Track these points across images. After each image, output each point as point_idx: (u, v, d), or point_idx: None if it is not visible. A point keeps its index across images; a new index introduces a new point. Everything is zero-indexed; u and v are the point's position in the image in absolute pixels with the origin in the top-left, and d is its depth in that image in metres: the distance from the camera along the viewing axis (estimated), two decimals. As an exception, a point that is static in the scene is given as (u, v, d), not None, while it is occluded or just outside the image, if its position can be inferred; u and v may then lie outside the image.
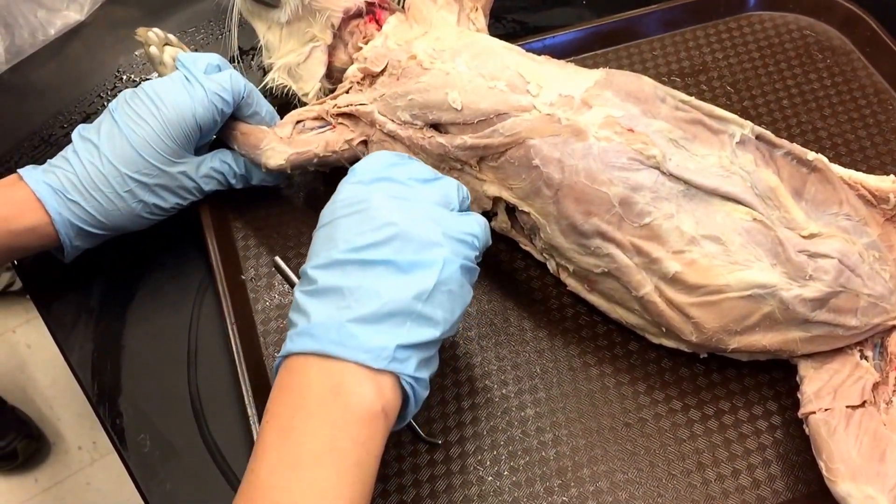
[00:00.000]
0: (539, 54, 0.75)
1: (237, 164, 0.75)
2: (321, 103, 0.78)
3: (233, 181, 0.76)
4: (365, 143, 0.76)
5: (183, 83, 0.71)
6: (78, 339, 0.76)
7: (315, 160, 0.75)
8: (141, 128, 0.68)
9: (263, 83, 0.84)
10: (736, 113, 0.69)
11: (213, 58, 0.74)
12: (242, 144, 0.75)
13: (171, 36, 0.83)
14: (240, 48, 0.89)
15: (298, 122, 0.77)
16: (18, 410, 1.66)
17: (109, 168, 0.68)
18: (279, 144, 0.74)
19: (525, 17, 0.96)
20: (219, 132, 0.77)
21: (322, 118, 0.77)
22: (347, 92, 0.78)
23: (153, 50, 0.81)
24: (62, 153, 0.70)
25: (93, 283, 0.79)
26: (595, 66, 0.88)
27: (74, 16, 0.97)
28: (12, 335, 1.81)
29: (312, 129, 0.76)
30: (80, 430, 1.70)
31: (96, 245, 0.74)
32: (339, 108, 0.76)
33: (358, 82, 0.77)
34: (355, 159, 0.76)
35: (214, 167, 0.74)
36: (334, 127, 0.76)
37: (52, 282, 0.80)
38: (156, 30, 0.82)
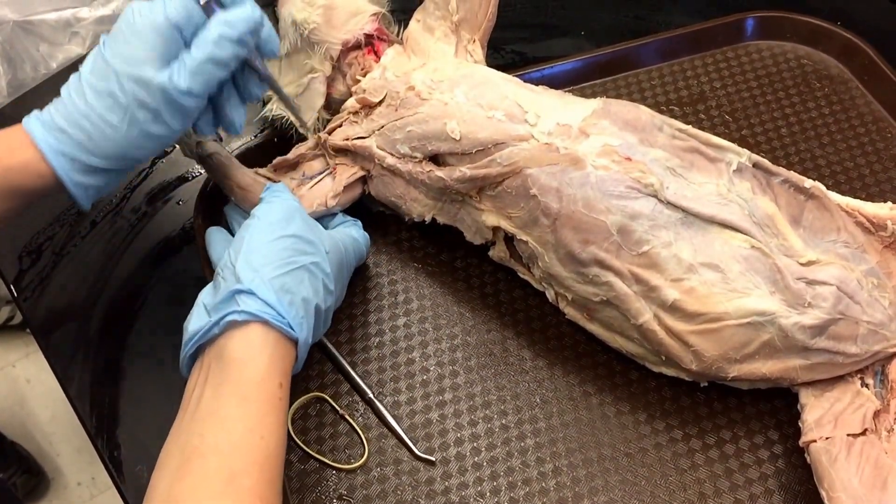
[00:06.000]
0: (538, 84, 0.75)
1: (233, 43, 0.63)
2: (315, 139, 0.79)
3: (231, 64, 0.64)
4: (364, 179, 0.77)
5: None
6: (77, 371, 0.76)
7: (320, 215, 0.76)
8: (117, 42, 0.62)
9: (262, 114, 0.84)
10: (734, 141, 0.69)
11: None
12: (242, 200, 0.75)
13: None
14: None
15: (298, 168, 0.78)
16: (18, 446, 1.65)
17: (87, 89, 0.62)
18: None
19: (524, 47, 0.97)
20: (213, 175, 0.76)
21: (322, 155, 0.78)
22: (341, 125, 0.78)
23: None
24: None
25: (92, 313, 0.79)
26: (594, 95, 0.88)
27: (76, 49, 0.99)
28: (12, 369, 1.81)
29: (313, 177, 0.77)
30: (80, 465, 1.69)
31: (109, 185, 0.67)
32: (336, 143, 0.76)
33: (354, 114, 0.78)
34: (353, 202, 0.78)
35: (202, 56, 0.62)
36: (334, 169, 0.77)
37: (52, 313, 0.80)
38: None
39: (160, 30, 0.61)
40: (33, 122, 0.63)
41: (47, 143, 0.62)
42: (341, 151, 0.77)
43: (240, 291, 0.59)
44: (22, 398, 1.77)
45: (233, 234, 0.75)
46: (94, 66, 0.62)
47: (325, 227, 0.74)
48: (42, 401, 1.76)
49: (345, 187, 0.76)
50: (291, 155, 0.78)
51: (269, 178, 0.76)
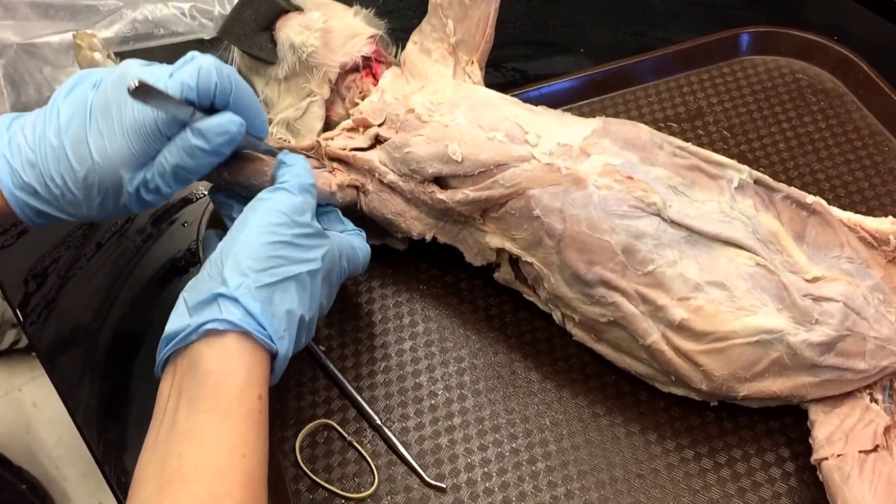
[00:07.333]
0: (535, 103, 0.75)
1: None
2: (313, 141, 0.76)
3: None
4: (357, 189, 0.75)
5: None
6: (83, 396, 0.76)
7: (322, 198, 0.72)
8: (107, 125, 0.61)
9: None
10: (733, 157, 0.70)
11: (186, 56, 0.63)
12: (245, 169, 0.69)
13: (111, 51, 0.81)
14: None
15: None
16: (24, 471, 1.64)
17: (64, 168, 0.62)
18: None
19: (524, 65, 0.97)
20: None
21: (317, 158, 0.76)
22: (334, 139, 0.77)
23: (98, 56, 0.79)
24: (45, 112, 0.63)
25: (98, 338, 0.79)
26: (591, 113, 0.89)
27: (79, 72, 0.99)
28: (18, 393, 1.79)
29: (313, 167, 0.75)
30: (87, 490, 1.67)
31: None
32: (335, 151, 0.75)
33: (350, 130, 0.77)
34: (351, 204, 0.75)
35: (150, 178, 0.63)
36: (332, 170, 0.75)
37: (58, 338, 0.80)
38: (99, 37, 0.80)
39: (146, 136, 0.61)
40: (3, 164, 0.62)
41: (14, 196, 0.63)
42: (337, 160, 0.76)
43: (223, 296, 0.56)
44: (28, 422, 1.76)
45: (221, 217, 0.73)
46: (76, 147, 0.61)
47: (328, 230, 0.71)
48: (48, 425, 1.75)
49: (347, 185, 0.74)
50: (286, 146, 0.75)
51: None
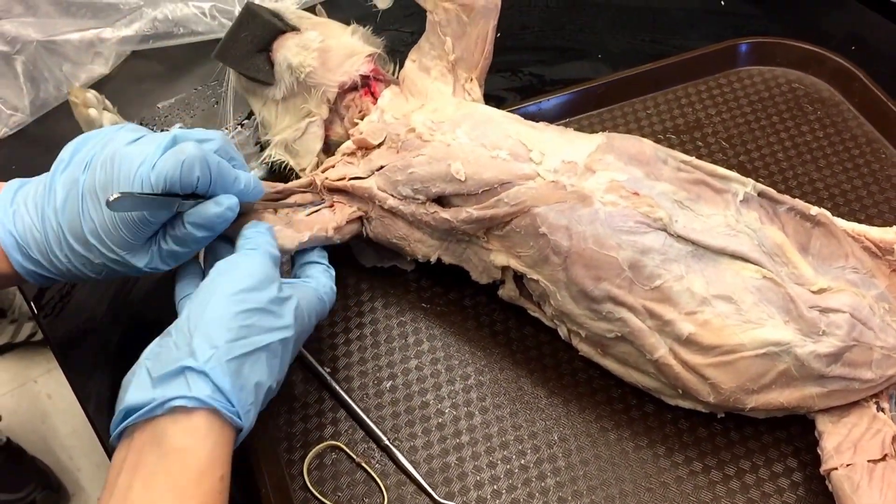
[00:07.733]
0: (534, 117, 0.75)
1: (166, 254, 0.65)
2: (310, 178, 0.76)
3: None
4: (361, 219, 0.76)
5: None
6: (95, 387, 0.77)
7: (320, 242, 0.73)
8: (98, 216, 0.61)
9: (261, 159, 0.84)
10: (732, 168, 0.70)
11: (170, 135, 0.63)
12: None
13: (107, 102, 0.83)
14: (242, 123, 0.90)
15: (290, 199, 0.75)
16: (38, 461, 1.64)
17: (67, 247, 0.63)
18: (285, 228, 0.70)
19: (542, 70, 0.98)
20: None
21: (314, 193, 0.76)
22: (334, 166, 0.77)
23: (93, 112, 0.81)
24: (45, 186, 0.64)
25: (111, 330, 0.80)
26: (590, 126, 0.89)
27: (99, 69, 1.01)
28: (34, 385, 1.82)
29: (304, 205, 0.74)
30: (100, 480, 1.68)
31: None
32: (332, 182, 0.75)
33: (349, 154, 0.77)
34: (354, 237, 0.76)
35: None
36: (332, 206, 0.75)
37: (72, 330, 0.81)
38: (93, 92, 0.82)
39: (136, 226, 0.61)
40: (8, 237, 0.63)
41: (22, 266, 0.64)
42: (337, 192, 0.76)
43: (191, 369, 0.54)
44: (43, 413, 1.78)
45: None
46: (73, 230, 0.62)
47: (299, 264, 0.71)
48: (63, 416, 1.77)
49: (347, 221, 0.74)
50: (282, 188, 0.75)
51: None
